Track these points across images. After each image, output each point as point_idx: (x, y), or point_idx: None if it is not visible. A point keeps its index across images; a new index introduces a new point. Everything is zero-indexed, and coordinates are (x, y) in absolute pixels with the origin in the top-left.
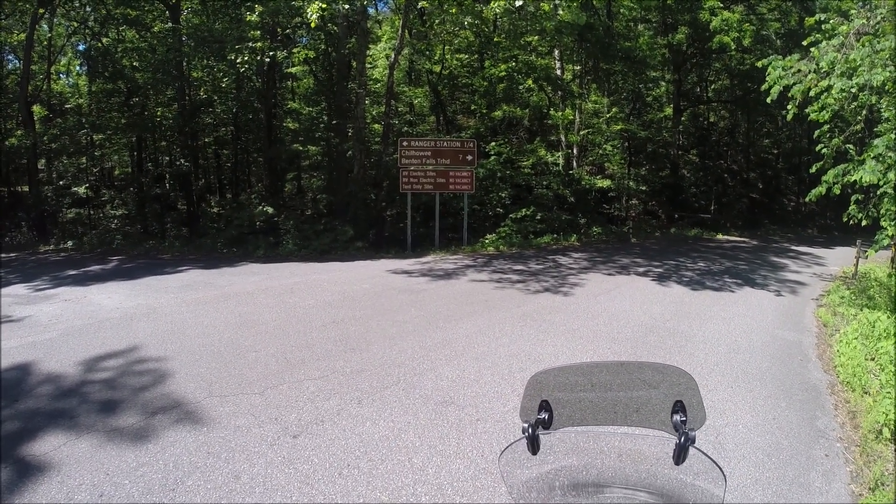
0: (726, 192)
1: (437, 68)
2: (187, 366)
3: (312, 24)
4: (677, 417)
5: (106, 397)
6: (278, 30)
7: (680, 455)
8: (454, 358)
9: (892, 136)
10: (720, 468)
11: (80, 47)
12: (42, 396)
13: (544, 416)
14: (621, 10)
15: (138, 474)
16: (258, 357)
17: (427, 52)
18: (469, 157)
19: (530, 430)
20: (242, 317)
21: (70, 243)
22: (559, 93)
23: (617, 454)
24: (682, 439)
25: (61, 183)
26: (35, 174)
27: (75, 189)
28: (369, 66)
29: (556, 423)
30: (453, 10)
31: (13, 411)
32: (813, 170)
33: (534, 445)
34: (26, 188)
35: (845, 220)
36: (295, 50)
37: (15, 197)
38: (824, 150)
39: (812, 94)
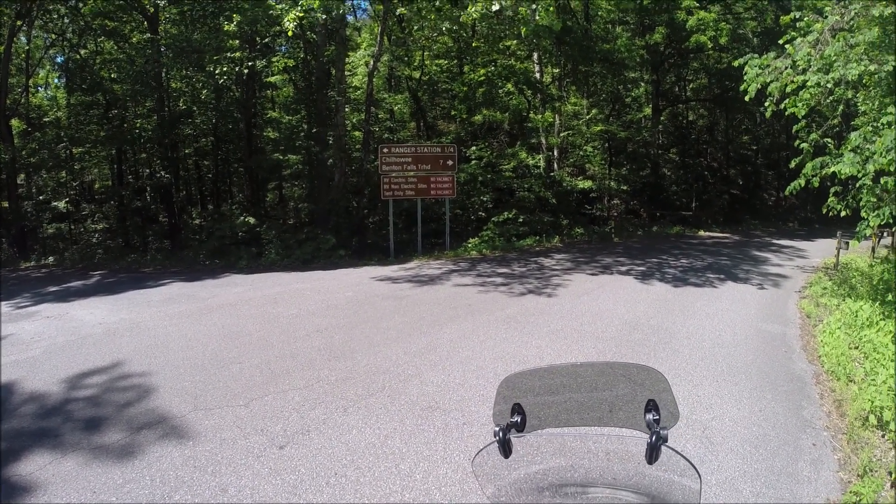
0: (707, 189)
1: (417, 74)
2: (171, 380)
3: (289, 33)
4: (650, 416)
5: (90, 414)
6: (257, 39)
7: (652, 454)
8: (439, 363)
9: (869, 128)
10: (694, 466)
11: (59, 59)
12: (26, 416)
13: (517, 419)
14: (599, 13)
15: (125, 491)
16: (242, 369)
17: (406, 59)
18: (450, 163)
19: (501, 434)
20: (226, 329)
21: (51, 259)
22: (539, 96)
23: (602, 454)
24: (654, 438)
25: (41, 198)
26: (14, 189)
27: (55, 204)
28: (349, 73)
29: (530, 425)
30: (432, 16)
31: None
32: (792, 165)
33: (505, 449)
34: (6, 204)
35: (825, 211)
36: (274, 59)
37: None
38: (803, 145)
39: (789, 90)
